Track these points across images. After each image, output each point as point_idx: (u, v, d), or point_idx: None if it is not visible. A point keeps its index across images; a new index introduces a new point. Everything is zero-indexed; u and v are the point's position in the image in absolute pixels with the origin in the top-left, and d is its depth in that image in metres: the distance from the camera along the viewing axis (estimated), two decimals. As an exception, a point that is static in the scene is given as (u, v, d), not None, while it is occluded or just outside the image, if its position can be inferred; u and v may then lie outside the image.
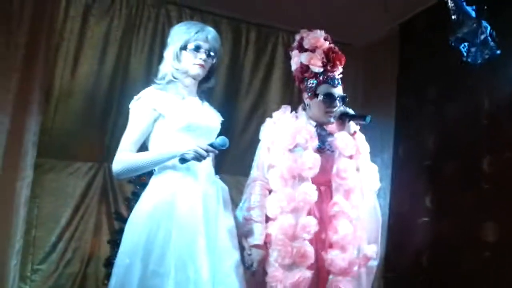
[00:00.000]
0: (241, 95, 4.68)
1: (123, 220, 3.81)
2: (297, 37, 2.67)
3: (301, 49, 2.62)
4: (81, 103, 4.22)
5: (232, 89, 4.62)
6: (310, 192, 2.41)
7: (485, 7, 3.15)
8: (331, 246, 2.42)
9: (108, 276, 3.75)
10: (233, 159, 4.39)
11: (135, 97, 2.29)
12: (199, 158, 2.14)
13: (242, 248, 2.38)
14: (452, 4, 3.29)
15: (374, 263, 2.55)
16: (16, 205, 3.66)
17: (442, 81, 4.00)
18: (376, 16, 4.30)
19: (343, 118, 2.54)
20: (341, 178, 2.46)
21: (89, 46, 4.24)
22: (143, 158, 2.19)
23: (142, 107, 2.24)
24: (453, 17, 3.27)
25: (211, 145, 2.16)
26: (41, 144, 3.92)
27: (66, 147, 4.20)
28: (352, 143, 2.52)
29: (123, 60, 4.33)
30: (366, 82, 4.80)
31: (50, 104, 4.09)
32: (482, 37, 3.22)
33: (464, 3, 3.26)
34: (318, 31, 2.64)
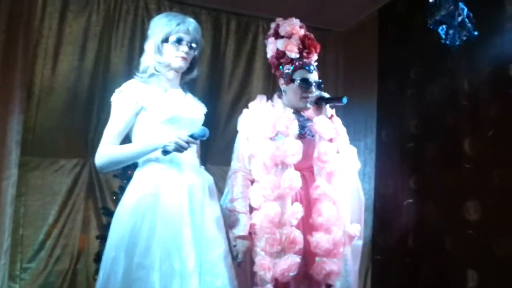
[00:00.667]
0: (224, 85, 4.68)
1: (111, 215, 3.78)
2: (273, 25, 2.71)
3: (277, 36, 2.66)
4: (63, 100, 4.19)
5: (214, 80, 4.62)
6: (294, 179, 2.44)
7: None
8: (316, 228, 2.45)
9: (98, 271, 3.76)
10: (218, 150, 4.41)
11: (117, 90, 2.28)
12: (180, 149, 2.15)
13: (229, 239, 2.39)
14: (430, -13, 3.33)
15: (358, 242, 2.60)
16: (2, 204, 3.64)
17: (422, 64, 4.04)
18: (355, 1, 4.32)
19: (319, 103, 2.57)
20: (322, 161, 2.50)
21: (68, 42, 4.20)
22: (125, 151, 2.19)
23: (124, 100, 2.24)
24: (430, 0, 3.31)
25: (191, 136, 2.17)
26: (25, 142, 3.89)
27: (50, 145, 4.17)
28: (331, 126, 2.56)
29: (103, 55, 4.30)
30: (347, 67, 4.83)
31: (31, 102, 4.05)
32: (460, 19, 3.25)
33: (441, -14, 3.29)
34: (294, 19, 2.69)
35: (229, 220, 2.46)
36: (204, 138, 2.20)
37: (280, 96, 2.67)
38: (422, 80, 4.03)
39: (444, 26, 3.33)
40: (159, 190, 2.17)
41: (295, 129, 2.53)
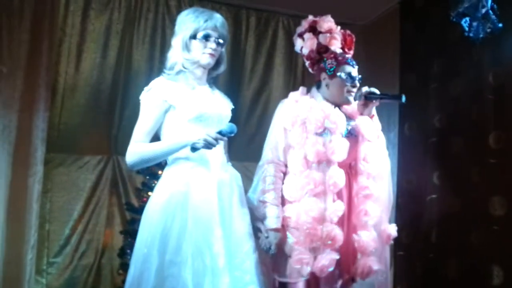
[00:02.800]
0: (244, 81, 4.68)
1: (135, 211, 3.87)
2: (306, 22, 2.69)
3: (315, 31, 2.64)
4: (87, 97, 4.25)
5: (235, 76, 4.62)
6: (339, 176, 2.44)
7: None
8: (360, 227, 2.48)
9: (122, 266, 3.82)
10: (239, 146, 4.41)
11: (146, 88, 2.30)
12: (209, 146, 2.16)
13: (257, 231, 2.42)
14: (453, -21, 3.27)
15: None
16: (28, 200, 3.72)
17: (445, 57, 3.97)
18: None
19: (370, 98, 2.53)
20: (367, 162, 2.52)
21: (91, 40, 4.25)
22: (155, 148, 2.21)
23: (153, 99, 2.25)
24: (454, -9, 3.26)
25: (219, 132, 2.19)
26: (50, 139, 3.97)
27: (74, 142, 4.24)
28: (374, 127, 2.57)
29: (125, 53, 4.34)
30: (369, 62, 4.75)
31: (56, 100, 4.12)
32: (483, 11, 3.20)
33: (465, -22, 3.24)
34: (329, 16, 2.68)
35: (259, 212, 2.46)
36: (232, 135, 2.22)
37: (318, 90, 2.64)
38: (446, 74, 3.97)
39: (467, 19, 3.28)
40: (189, 188, 2.19)
41: (343, 127, 2.51)
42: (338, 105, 2.59)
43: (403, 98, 2.52)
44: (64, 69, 4.18)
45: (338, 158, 2.45)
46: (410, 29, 4.37)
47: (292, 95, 2.65)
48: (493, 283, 3.33)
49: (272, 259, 2.49)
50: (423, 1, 4.28)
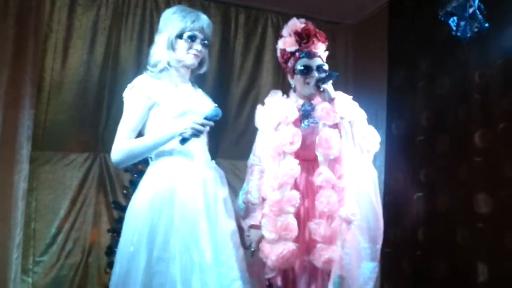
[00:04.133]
0: (233, 79, 4.67)
1: (122, 209, 3.84)
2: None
3: (280, 38, 2.73)
4: (73, 94, 4.20)
5: (224, 74, 4.61)
6: (292, 166, 2.46)
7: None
8: (317, 216, 2.46)
9: (110, 264, 3.79)
10: (228, 143, 4.42)
11: (129, 85, 2.28)
12: (197, 133, 2.16)
13: (242, 231, 2.44)
14: (440, -21, 3.29)
15: (371, 231, 2.47)
16: (14, 198, 3.69)
17: (432, 56, 4.00)
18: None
19: (317, 85, 2.55)
20: (325, 148, 2.49)
21: (77, 36, 4.21)
22: (142, 143, 2.20)
23: (136, 96, 2.24)
24: (441, -9, 3.28)
25: (205, 118, 2.18)
26: (36, 137, 3.92)
27: (60, 139, 4.19)
28: (332, 111, 2.52)
29: (112, 49, 4.30)
30: (357, 60, 4.81)
31: (42, 97, 4.07)
32: (471, 10, 3.23)
33: (452, -22, 3.26)
34: (295, 18, 2.71)
35: (244, 212, 2.53)
36: (217, 118, 2.20)
37: (294, 90, 2.70)
38: (433, 73, 4.00)
39: (455, 18, 3.30)
40: (175, 184, 2.18)
41: (293, 116, 2.55)
42: (309, 99, 2.64)
43: (334, 74, 2.52)
44: (50, 65, 4.13)
45: (290, 148, 2.49)
46: (399, 28, 4.40)
47: (266, 100, 2.71)
48: (479, 280, 3.37)
49: (260, 258, 2.50)
50: (412, 0, 4.30)
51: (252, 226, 2.48)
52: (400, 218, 4.09)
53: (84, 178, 4.27)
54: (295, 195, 2.44)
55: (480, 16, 3.21)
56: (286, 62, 2.69)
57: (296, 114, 2.56)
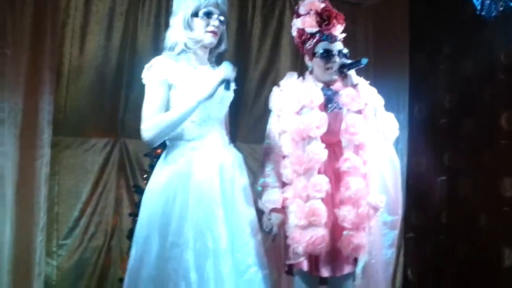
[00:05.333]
0: (251, 62, 4.62)
1: (143, 193, 3.85)
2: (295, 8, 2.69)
3: (297, 16, 2.64)
4: (92, 79, 4.21)
5: (241, 57, 4.56)
6: (318, 151, 2.43)
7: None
8: (344, 202, 2.44)
9: (131, 247, 3.84)
10: (247, 127, 4.39)
11: (146, 66, 2.26)
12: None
13: (261, 215, 2.43)
14: (464, -44, 3.20)
15: (391, 218, 2.55)
16: (37, 183, 3.72)
17: (455, 36, 3.91)
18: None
19: (341, 70, 2.52)
20: (350, 134, 2.47)
21: (95, 21, 4.19)
22: (173, 114, 2.15)
23: (155, 77, 2.21)
24: (465, -31, 3.18)
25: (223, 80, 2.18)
26: (56, 122, 3.94)
27: (80, 124, 4.21)
28: (358, 97, 2.50)
29: (129, 34, 4.28)
30: (378, 42, 4.70)
31: (61, 82, 4.09)
32: (496, -11, 3.13)
33: (477, -46, 3.16)
34: None
35: (262, 196, 2.49)
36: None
37: (311, 73, 2.64)
38: (456, 54, 3.91)
39: (479, -4, 3.21)
40: (191, 168, 2.16)
41: (319, 100, 2.50)
42: (326, 83, 2.59)
43: (363, 61, 2.46)
44: (68, 51, 4.13)
45: (317, 133, 2.45)
46: (420, 8, 4.30)
47: (282, 82, 2.67)
48: (504, 265, 3.31)
49: (279, 244, 2.51)
50: (434, -21, 4.19)
51: (273, 210, 2.45)
52: (423, 202, 4.05)
53: (105, 162, 4.30)
54: (323, 180, 2.42)
55: (505, -5, 3.11)
56: (303, 43, 2.62)
57: (321, 99, 2.51)
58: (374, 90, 2.57)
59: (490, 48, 3.58)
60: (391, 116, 2.57)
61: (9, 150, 3.63)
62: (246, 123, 4.41)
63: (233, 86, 2.23)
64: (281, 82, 2.67)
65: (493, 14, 3.19)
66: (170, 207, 2.12)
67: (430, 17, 4.16)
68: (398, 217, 2.58)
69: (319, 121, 2.45)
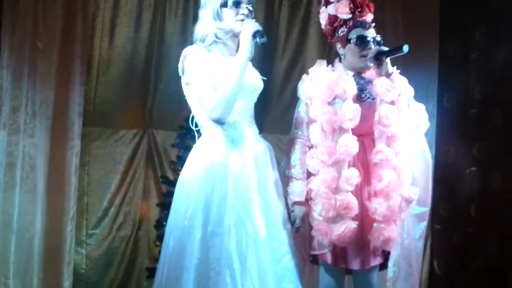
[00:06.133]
0: (278, 52, 4.59)
1: (170, 183, 3.92)
2: None
3: (327, 3, 2.59)
4: (121, 71, 4.28)
5: (268, 47, 4.53)
6: (351, 144, 2.39)
7: None
8: (375, 194, 2.42)
9: (159, 237, 3.89)
10: (273, 118, 4.39)
11: (182, 55, 2.26)
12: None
13: (287, 205, 2.42)
14: None
15: (420, 209, 2.51)
16: (67, 173, 3.81)
17: (488, 25, 3.79)
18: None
19: (379, 57, 2.46)
20: (384, 125, 2.43)
21: (124, 13, 4.26)
22: (230, 83, 2.14)
23: (195, 62, 2.21)
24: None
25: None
26: (86, 114, 4.03)
27: (110, 116, 4.30)
28: (392, 87, 2.45)
29: (158, 26, 4.33)
30: (407, 30, 4.60)
31: (91, 74, 4.17)
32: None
33: None
34: None
35: (286, 187, 2.47)
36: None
37: (340, 61, 2.60)
38: (488, 43, 3.80)
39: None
40: (228, 159, 2.18)
41: (353, 91, 2.46)
42: (358, 71, 2.55)
43: (405, 48, 2.40)
44: (98, 43, 4.22)
45: (349, 124, 2.41)
46: (452, -4, 4.19)
47: (311, 70, 2.63)
48: (536, 259, 3.24)
49: (303, 233, 2.49)
50: (466, -34, 4.08)
51: (296, 203, 2.44)
52: (452, 193, 3.97)
53: (133, 153, 4.37)
54: (355, 173, 2.39)
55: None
56: (334, 30, 2.57)
57: (355, 89, 2.47)
58: (405, 79, 2.53)
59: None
60: (422, 107, 2.53)
61: (40, 141, 3.73)
62: (273, 113, 4.41)
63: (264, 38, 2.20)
64: (310, 70, 2.62)
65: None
66: (210, 197, 2.13)
67: (461, 5, 4.06)
68: (427, 208, 2.54)
69: (353, 113, 2.41)
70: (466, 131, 3.95)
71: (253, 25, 2.18)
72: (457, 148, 4.01)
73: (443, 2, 4.28)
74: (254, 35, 2.17)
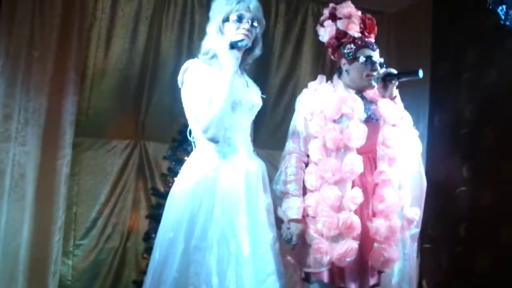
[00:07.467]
0: (272, 69, 4.64)
1: (160, 196, 3.90)
2: (327, 10, 2.65)
3: (335, 18, 2.60)
4: (115, 82, 4.28)
5: (263, 63, 4.57)
6: (356, 163, 2.38)
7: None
8: (375, 214, 2.42)
9: (147, 250, 3.86)
10: (266, 133, 4.40)
11: (182, 68, 2.27)
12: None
13: (280, 222, 2.39)
14: (489, -35, 3.17)
15: (415, 230, 2.55)
16: (57, 183, 3.77)
17: (478, 46, 3.87)
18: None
19: (388, 79, 2.48)
20: (387, 147, 2.44)
21: (120, 25, 4.27)
22: (220, 100, 2.13)
23: (194, 77, 2.22)
24: (489, -21, 3.15)
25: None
26: (79, 123, 4.01)
27: (102, 126, 4.29)
28: (396, 110, 2.49)
29: (154, 38, 4.35)
30: (399, 50, 4.68)
31: (85, 84, 4.16)
32: (521, -2, 3.10)
33: (501, -37, 3.14)
34: (349, 1, 2.63)
35: (282, 203, 2.44)
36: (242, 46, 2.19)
37: (339, 77, 2.61)
38: (479, 63, 3.87)
39: (504, 6, 3.18)
40: (218, 174, 2.17)
41: (360, 112, 2.46)
42: (359, 90, 2.55)
43: (420, 73, 2.44)
44: (93, 53, 4.22)
45: (356, 144, 2.41)
46: (443, 17, 4.26)
47: (311, 84, 2.63)
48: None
49: (297, 250, 2.46)
50: (458, -12, 4.16)
51: (292, 220, 2.40)
52: (442, 213, 3.99)
53: (125, 164, 4.35)
54: (359, 193, 2.38)
55: (531, 5, 3.08)
56: (341, 44, 2.56)
57: (362, 110, 2.46)
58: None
59: (514, 58, 3.54)
60: (416, 133, 2.58)
61: (31, 149, 3.70)
62: (265, 129, 4.42)
63: (244, 43, 2.20)
64: (311, 84, 2.62)
65: (517, 25, 3.16)
66: (196, 211, 2.13)
67: (453, 25, 4.13)
68: (419, 229, 2.58)
69: (361, 133, 2.41)
70: (456, 150, 3.99)
71: (227, 39, 2.18)
72: (448, 168, 4.04)
73: (435, 22, 4.36)
74: (232, 46, 2.16)
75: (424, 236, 4.04)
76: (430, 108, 4.25)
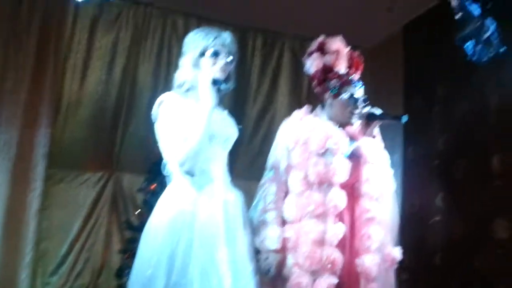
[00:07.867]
0: (249, 101, 4.69)
1: (134, 229, 3.83)
2: (316, 42, 2.68)
3: (323, 52, 2.63)
4: (90, 113, 4.26)
5: (240, 96, 4.63)
6: (340, 199, 2.39)
7: (489, 5, 3.15)
8: (362, 251, 2.41)
9: (120, 286, 3.76)
10: (243, 164, 4.41)
11: (157, 102, 2.24)
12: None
13: (257, 252, 2.35)
14: (456, 3, 3.30)
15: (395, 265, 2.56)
16: (26, 217, 3.69)
17: (449, 80, 3.99)
18: (380, 18, 4.30)
19: (371, 119, 2.52)
20: (370, 184, 2.46)
21: (97, 57, 4.28)
22: (197, 134, 2.12)
23: (169, 111, 2.20)
24: (456, 16, 3.27)
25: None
26: (52, 155, 3.95)
27: (76, 158, 4.23)
28: (376, 148, 2.53)
29: (130, 70, 4.37)
30: (373, 84, 4.77)
31: (59, 115, 4.12)
32: (486, 35, 3.22)
33: (468, 2, 3.26)
34: (340, 37, 2.67)
35: (260, 232, 2.41)
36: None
37: (323, 109, 2.62)
38: (450, 96, 3.98)
39: (471, 42, 3.29)
40: (196, 207, 2.14)
41: (345, 148, 2.47)
42: (341, 125, 2.57)
43: (404, 119, 2.50)
44: (69, 84, 4.20)
45: (340, 179, 2.41)
46: (414, 52, 4.40)
47: (296, 113, 2.63)
48: (500, 308, 3.27)
49: (272, 282, 2.41)
50: (428, 25, 4.30)
51: (271, 251, 2.36)
52: (417, 243, 4.01)
53: (98, 197, 4.28)
54: (342, 228, 2.37)
55: (495, 40, 3.19)
56: (325, 79, 2.59)
57: (346, 146, 2.48)
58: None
59: (482, 91, 3.64)
60: (391, 172, 2.61)
61: (0, 183, 3.61)
62: (242, 160, 4.43)
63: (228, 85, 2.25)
64: (296, 113, 2.62)
65: (484, 59, 3.27)
66: (175, 247, 2.07)
67: (424, 60, 4.26)
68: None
69: (344, 169, 2.42)
70: (430, 181, 4.05)
71: (210, 73, 2.19)
72: (422, 198, 4.10)
73: (407, 57, 4.49)
74: (214, 83, 2.18)
75: (402, 268, 4.03)
76: (404, 140, 4.33)
